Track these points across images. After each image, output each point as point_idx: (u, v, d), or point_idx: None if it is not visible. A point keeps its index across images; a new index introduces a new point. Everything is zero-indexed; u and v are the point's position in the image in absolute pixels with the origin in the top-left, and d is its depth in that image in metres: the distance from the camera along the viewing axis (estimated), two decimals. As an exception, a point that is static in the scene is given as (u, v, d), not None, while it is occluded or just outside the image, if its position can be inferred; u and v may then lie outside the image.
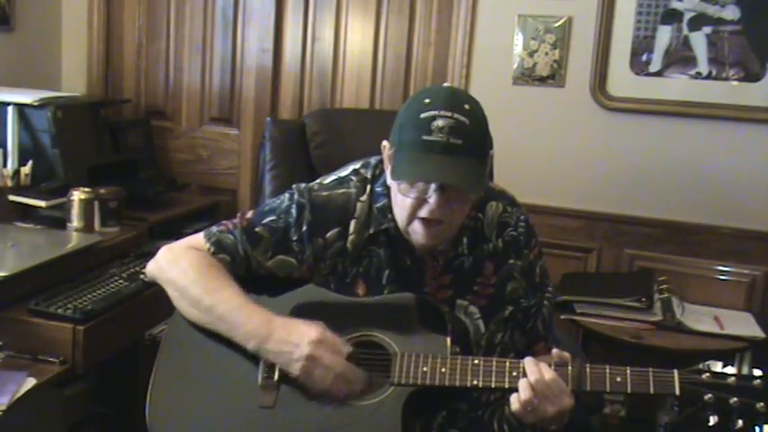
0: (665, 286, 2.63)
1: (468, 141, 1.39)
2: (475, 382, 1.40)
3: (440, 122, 1.38)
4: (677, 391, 1.34)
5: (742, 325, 2.55)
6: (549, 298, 1.62)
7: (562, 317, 2.51)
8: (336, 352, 1.42)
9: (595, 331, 2.48)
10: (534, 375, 1.36)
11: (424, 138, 1.39)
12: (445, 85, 2.61)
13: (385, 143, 1.52)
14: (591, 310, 2.52)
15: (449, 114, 1.39)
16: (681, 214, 2.80)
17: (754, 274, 2.74)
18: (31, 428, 1.86)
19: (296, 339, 1.43)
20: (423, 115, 1.40)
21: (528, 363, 1.39)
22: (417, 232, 1.46)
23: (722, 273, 2.76)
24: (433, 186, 1.41)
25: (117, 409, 2.45)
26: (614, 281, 2.75)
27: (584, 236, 2.89)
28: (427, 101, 1.41)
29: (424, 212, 1.43)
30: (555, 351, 1.42)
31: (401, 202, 1.46)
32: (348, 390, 1.43)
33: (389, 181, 1.51)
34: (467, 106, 1.41)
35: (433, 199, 1.41)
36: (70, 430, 2.34)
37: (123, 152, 2.97)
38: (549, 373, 1.37)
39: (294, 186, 1.61)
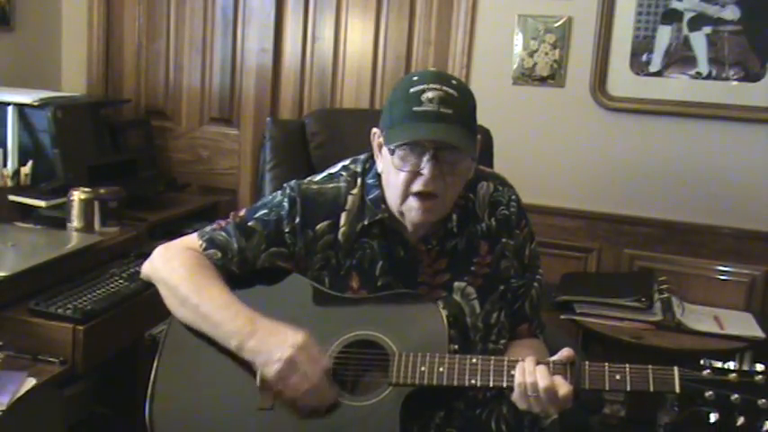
0: (665, 286, 2.62)
1: (458, 111, 1.42)
2: (473, 382, 1.40)
3: (429, 94, 1.41)
4: (677, 389, 1.33)
5: (742, 325, 2.54)
6: (540, 280, 1.63)
7: (562, 317, 2.51)
8: (316, 363, 1.42)
9: (595, 331, 2.48)
10: (530, 378, 1.36)
11: (415, 109, 1.41)
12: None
13: (375, 130, 1.54)
14: (591, 310, 2.52)
15: (438, 87, 1.42)
16: (681, 214, 2.80)
17: (754, 274, 2.74)
18: (31, 428, 1.87)
19: (279, 340, 1.43)
20: (412, 90, 1.43)
21: (526, 367, 1.38)
22: (413, 208, 1.47)
23: (722, 273, 2.77)
24: (426, 157, 1.42)
25: (117, 409, 2.45)
26: (614, 281, 2.75)
27: (584, 236, 2.89)
28: (416, 78, 1.46)
29: (418, 185, 1.44)
30: (561, 353, 1.41)
31: (394, 180, 1.47)
32: (315, 404, 1.42)
33: (380, 169, 1.53)
34: (454, 81, 1.46)
35: (426, 170, 1.42)
36: (70, 430, 2.34)
37: (123, 152, 2.97)
38: (543, 381, 1.35)
39: (285, 184, 1.62)
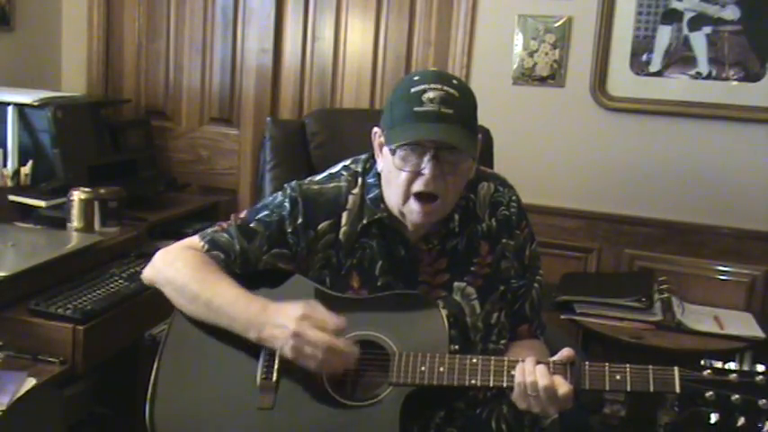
0: (665, 286, 2.62)
1: (459, 111, 1.42)
2: (473, 382, 1.40)
3: (430, 94, 1.41)
4: (677, 389, 1.33)
5: (742, 325, 2.54)
6: (540, 281, 1.63)
7: (562, 317, 2.51)
8: (321, 327, 1.42)
9: (595, 331, 2.48)
10: (529, 378, 1.36)
11: (416, 109, 1.41)
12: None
13: (376, 129, 1.54)
14: (591, 310, 2.52)
15: (438, 87, 1.42)
16: (681, 214, 2.80)
17: (754, 274, 2.73)
18: (31, 428, 1.86)
19: (282, 320, 1.43)
20: (413, 90, 1.43)
21: (526, 367, 1.38)
22: (414, 211, 1.47)
23: (722, 273, 2.76)
24: (426, 157, 1.42)
25: (117, 409, 2.45)
26: (614, 281, 2.75)
27: (584, 236, 2.89)
28: (416, 78, 1.46)
29: (419, 185, 1.44)
30: (561, 353, 1.41)
31: (395, 180, 1.47)
32: (342, 363, 1.42)
33: (380, 168, 1.53)
34: (455, 81, 1.46)
35: (427, 170, 1.42)
36: (70, 430, 2.34)
37: (123, 152, 2.97)
38: (543, 380, 1.35)
39: (286, 184, 1.63)
